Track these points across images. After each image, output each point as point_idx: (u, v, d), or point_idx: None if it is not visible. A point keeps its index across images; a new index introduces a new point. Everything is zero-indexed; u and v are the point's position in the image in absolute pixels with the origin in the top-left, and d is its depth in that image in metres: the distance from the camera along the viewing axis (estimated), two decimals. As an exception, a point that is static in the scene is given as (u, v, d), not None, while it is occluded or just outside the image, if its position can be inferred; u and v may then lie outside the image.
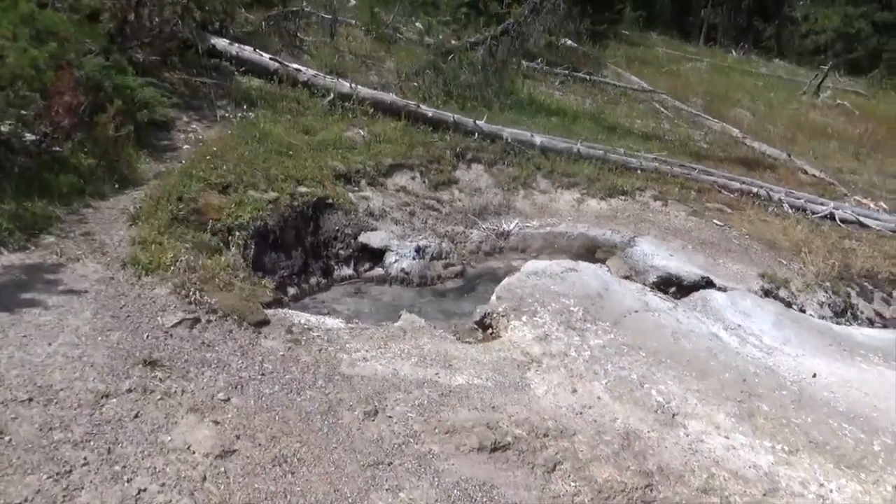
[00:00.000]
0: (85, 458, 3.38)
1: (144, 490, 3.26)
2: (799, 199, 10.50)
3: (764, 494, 4.03)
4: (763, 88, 21.88)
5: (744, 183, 10.65)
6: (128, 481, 3.30)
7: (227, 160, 7.89)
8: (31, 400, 3.69)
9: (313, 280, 7.54)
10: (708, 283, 7.07)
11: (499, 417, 4.32)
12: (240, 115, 9.54)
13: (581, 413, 4.55)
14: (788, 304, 7.19)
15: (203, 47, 10.54)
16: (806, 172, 12.68)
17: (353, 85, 10.99)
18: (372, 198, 8.85)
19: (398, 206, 9.06)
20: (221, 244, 6.59)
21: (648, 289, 6.73)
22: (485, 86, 12.54)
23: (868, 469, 4.42)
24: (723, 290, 6.98)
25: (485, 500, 3.64)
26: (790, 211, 10.19)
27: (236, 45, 11.13)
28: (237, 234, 6.85)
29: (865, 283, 8.22)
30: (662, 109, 16.06)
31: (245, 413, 4.01)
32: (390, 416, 4.22)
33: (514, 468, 3.92)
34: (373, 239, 7.99)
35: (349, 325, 5.66)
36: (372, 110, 10.76)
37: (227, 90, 10.17)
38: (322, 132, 9.84)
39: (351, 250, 7.96)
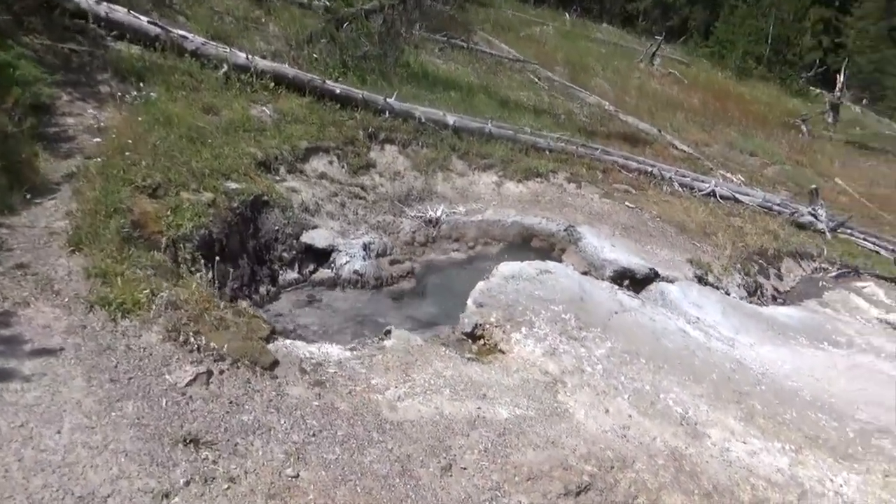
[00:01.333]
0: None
1: None
2: (686, 177, 11.40)
3: (800, 500, 4.45)
4: (607, 56, 23.16)
5: (640, 163, 11.32)
6: None
7: (142, 153, 6.90)
8: (82, 518, 3.05)
9: (262, 289, 6.95)
10: (655, 275, 7.50)
11: (565, 454, 4.32)
12: (134, 93, 8.32)
13: (625, 436, 4.68)
14: (716, 289, 7.85)
15: (69, 5, 8.99)
16: (676, 148, 13.75)
17: (250, 56, 10.02)
18: (301, 189, 8.27)
19: (327, 197, 8.55)
20: (172, 263, 5.82)
21: (617, 288, 7.00)
22: (383, 57, 12.01)
23: (857, 458, 5.04)
24: (670, 281, 7.45)
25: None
26: (680, 189, 11.03)
27: (105, 3, 9.60)
28: (184, 247, 6.07)
29: (761, 261, 9.21)
30: (536, 80, 16.48)
31: (323, 490, 3.63)
32: (464, 468, 4.05)
33: (598, 508, 3.97)
34: (317, 238, 7.49)
35: (352, 351, 5.30)
36: (273, 84, 9.89)
37: (105, 61, 8.81)
38: (225, 111, 8.94)
39: (294, 252, 7.42)
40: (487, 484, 3.96)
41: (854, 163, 18.62)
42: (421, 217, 9.14)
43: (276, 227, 7.39)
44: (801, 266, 9.76)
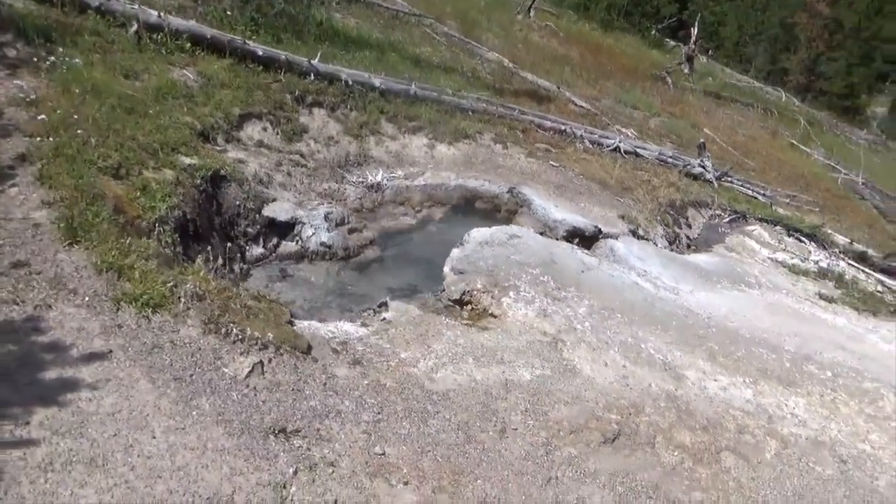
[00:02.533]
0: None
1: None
2: (593, 134, 12.22)
3: (769, 423, 5.34)
4: (488, 8, 23.52)
5: (553, 122, 11.97)
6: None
7: (87, 129, 6.53)
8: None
9: (236, 267, 6.86)
10: (599, 232, 8.20)
11: (591, 407, 4.88)
12: (52, 59, 7.66)
13: (628, 385, 5.32)
14: (647, 241, 8.73)
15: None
16: (575, 104, 14.57)
17: (162, 14, 9.45)
18: (247, 160, 8.13)
19: (274, 167, 8.47)
20: (162, 248, 5.67)
21: (576, 248, 7.60)
22: (296, 14, 11.65)
23: (798, 384, 6.05)
24: (614, 237, 8.19)
25: (637, 488, 4.27)
26: (591, 146, 11.85)
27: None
28: (164, 230, 5.90)
29: (672, 212, 10.25)
30: (434, 35, 16.57)
31: (411, 463, 3.93)
32: (515, 429, 4.49)
33: (634, 452, 4.58)
34: (278, 211, 7.46)
35: (366, 328, 5.52)
36: (189, 45, 9.44)
37: (3, 18, 8.03)
38: (146, 76, 8.51)
39: (258, 226, 7.35)
40: (539, 440, 4.42)
41: (714, 112, 20.55)
42: (362, 182, 9.23)
43: (238, 202, 7.26)
44: (700, 214, 10.95)
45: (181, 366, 4.07)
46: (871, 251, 11.19)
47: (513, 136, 11.08)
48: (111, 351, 3.99)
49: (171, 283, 4.69)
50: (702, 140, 13.18)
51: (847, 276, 9.82)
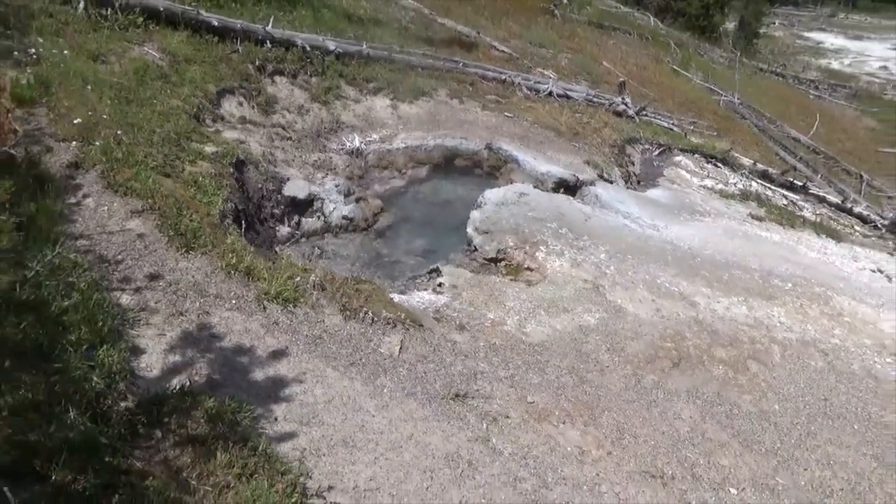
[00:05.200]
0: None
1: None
2: (528, 80, 13.05)
3: (768, 332, 6.68)
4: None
5: (494, 72, 12.64)
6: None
7: (110, 127, 6.61)
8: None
9: (277, 249, 7.23)
10: (577, 180, 9.18)
11: (651, 339, 5.94)
12: (32, 50, 7.39)
13: (664, 317, 6.43)
14: (611, 183, 9.85)
15: None
16: (497, 49, 15.24)
17: None
18: (245, 140, 8.39)
19: (268, 143, 8.73)
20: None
21: (571, 198, 8.52)
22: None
23: (774, 297, 7.46)
24: (591, 184, 9.20)
25: (708, 398, 5.42)
26: (529, 93, 12.69)
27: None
28: (227, 224, 6.23)
29: (617, 152, 11.42)
30: (345, -18, 16.41)
31: (556, 406, 4.80)
32: (608, 366, 5.46)
33: (694, 371, 5.72)
34: (297, 190, 7.85)
35: (438, 294, 6.20)
36: (142, 19, 9.23)
37: None
38: (112, 57, 8.41)
39: (282, 207, 7.67)
40: (628, 372, 5.43)
41: (603, 43, 21.89)
42: (342, 149, 9.60)
43: (259, 185, 7.52)
44: (635, 150, 12.21)
45: (347, 352, 4.63)
46: (770, 169, 13.04)
47: (465, 91, 11.67)
48: (287, 347, 4.47)
49: (297, 278, 5.10)
50: (622, 79, 14.38)
51: (763, 196, 11.53)
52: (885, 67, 38.25)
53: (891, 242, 11.68)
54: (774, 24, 44.23)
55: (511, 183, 8.90)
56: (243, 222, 6.60)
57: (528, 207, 7.71)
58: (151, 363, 3.90)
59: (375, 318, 5.04)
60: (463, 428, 4.23)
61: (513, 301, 6.10)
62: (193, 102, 8.18)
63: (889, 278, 9.29)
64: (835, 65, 38.17)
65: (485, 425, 4.33)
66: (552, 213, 7.70)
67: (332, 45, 10.75)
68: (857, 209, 12.69)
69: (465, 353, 5.11)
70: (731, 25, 35.19)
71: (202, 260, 5.02)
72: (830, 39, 47.03)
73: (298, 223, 7.74)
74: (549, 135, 10.96)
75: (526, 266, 6.99)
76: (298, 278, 5.11)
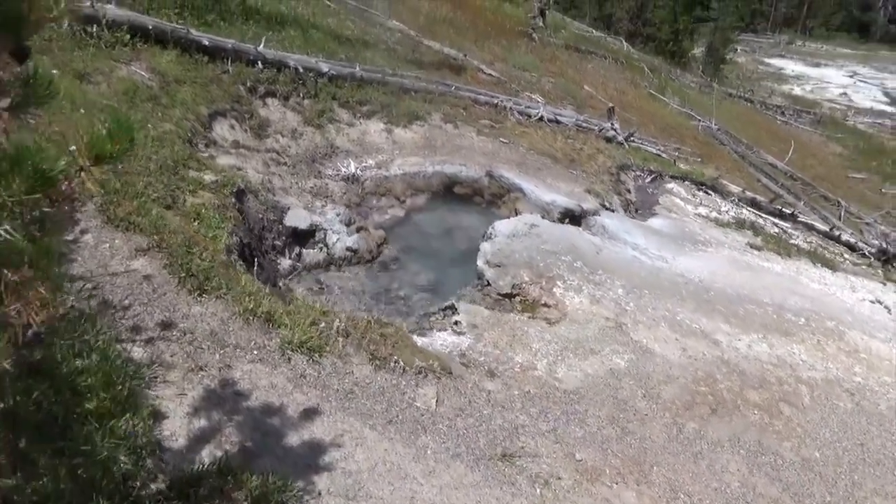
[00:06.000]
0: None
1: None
2: (519, 105, 12.87)
3: (793, 372, 6.50)
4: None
5: (487, 96, 12.44)
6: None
7: None
8: None
9: (281, 284, 6.82)
10: (582, 210, 8.96)
11: (686, 383, 5.69)
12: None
13: (690, 357, 6.20)
14: (613, 212, 9.66)
15: None
16: (484, 72, 15.07)
17: (97, 4, 8.66)
18: (241, 166, 7.98)
19: (265, 169, 8.33)
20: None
21: (580, 229, 8.28)
22: (219, -6, 10.96)
23: (791, 333, 7.31)
24: (596, 214, 8.99)
25: (750, 447, 5.18)
26: (520, 117, 12.51)
27: None
28: (234, 260, 5.83)
29: (613, 180, 11.27)
30: (329, 3, 16.12)
31: (605, 463, 4.49)
32: (646, 415, 5.18)
33: (732, 417, 5.48)
34: (298, 220, 7.48)
35: (460, 336, 5.87)
36: (129, 37, 8.79)
37: None
38: (99, 77, 7.98)
39: (283, 238, 7.27)
40: (668, 421, 5.16)
41: (582, 66, 21.99)
42: (338, 175, 9.25)
43: (260, 216, 7.11)
44: (629, 177, 12.10)
45: (382, 407, 4.25)
46: (759, 197, 13.06)
47: (458, 115, 11.42)
48: (318, 404, 4.09)
49: (320, 324, 4.71)
50: (611, 105, 14.32)
51: (756, 224, 11.49)
52: (844, 94, 39.42)
53: (880, 271, 11.73)
54: (737, 50, 45.26)
55: (516, 212, 8.63)
56: (248, 256, 6.18)
57: (540, 240, 7.43)
58: (176, 430, 3.47)
59: (406, 368, 4.66)
60: (517, 494, 3.89)
61: (537, 342, 5.80)
62: (185, 126, 7.77)
63: (888, 309, 9.26)
64: (797, 90, 39.19)
65: (538, 489, 3.99)
66: (565, 246, 7.44)
67: (325, 67, 10.41)
68: (844, 237, 12.75)
69: (501, 403, 4.78)
70: (698, 51, 35.84)
71: (217, 305, 4.59)
72: (791, 66, 48.41)
73: (300, 255, 7.33)
74: (546, 161, 10.75)
75: (543, 302, 6.70)
76: (323, 324, 4.70)
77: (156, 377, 3.85)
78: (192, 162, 6.94)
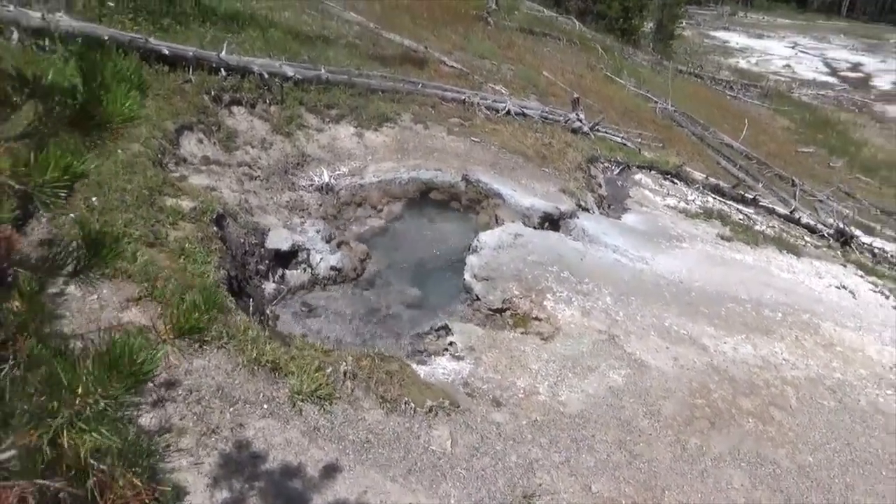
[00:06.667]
0: None
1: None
2: (486, 100, 12.79)
3: (778, 372, 6.71)
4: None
5: (453, 92, 12.31)
6: None
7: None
8: None
9: (268, 311, 6.69)
10: (560, 212, 8.99)
11: (683, 397, 5.80)
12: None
13: (682, 366, 6.33)
14: (589, 212, 9.74)
15: None
16: (447, 64, 14.91)
17: (48, 15, 8.24)
18: (216, 186, 7.76)
19: (239, 187, 8.12)
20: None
21: (561, 234, 8.31)
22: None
23: (771, 331, 7.52)
24: (574, 216, 9.03)
25: (750, 458, 5.33)
26: (489, 112, 12.44)
27: None
28: (224, 296, 5.68)
29: (584, 175, 11.33)
30: (281, -6, 15.65)
31: (619, 491, 4.56)
32: (651, 434, 5.27)
33: (729, 429, 5.62)
34: (280, 241, 7.32)
35: (458, 361, 5.86)
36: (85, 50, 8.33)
37: None
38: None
39: (266, 261, 7.10)
40: (671, 439, 5.27)
41: (539, 50, 21.96)
42: (312, 185, 9.09)
43: (241, 240, 6.93)
44: (598, 170, 12.18)
45: (399, 455, 4.22)
46: (722, 183, 13.34)
47: (428, 114, 11.29)
48: (336, 458, 4.03)
49: (327, 369, 4.63)
50: (576, 95, 14.34)
51: (723, 212, 11.74)
52: (788, 66, 40.42)
53: (839, 252, 12.15)
54: (682, 24, 45.92)
55: (496, 219, 8.61)
56: (236, 288, 6.01)
57: (526, 250, 7.44)
58: (201, 506, 3.37)
59: (417, 409, 4.63)
60: (543, 537, 3.91)
61: (536, 362, 5.83)
62: (154, 145, 7.50)
63: (853, 294, 9.61)
64: (743, 64, 39.99)
65: (562, 530, 4.02)
66: (551, 256, 7.47)
67: (289, 71, 10.13)
68: (803, 220, 13.15)
69: (512, 436, 4.79)
70: (648, 28, 36.13)
71: (219, 356, 4.46)
72: (735, 38, 49.32)
73: (283, 277, 7.17)
74: (518, 160, 10.73)
75: (534, 316, 6.72)
76: (330, 369, 4.62)
77: (169, 446, 3.72)
78: (167, 187, 6.70)
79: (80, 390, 1.39)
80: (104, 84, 1.37)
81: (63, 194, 1.33)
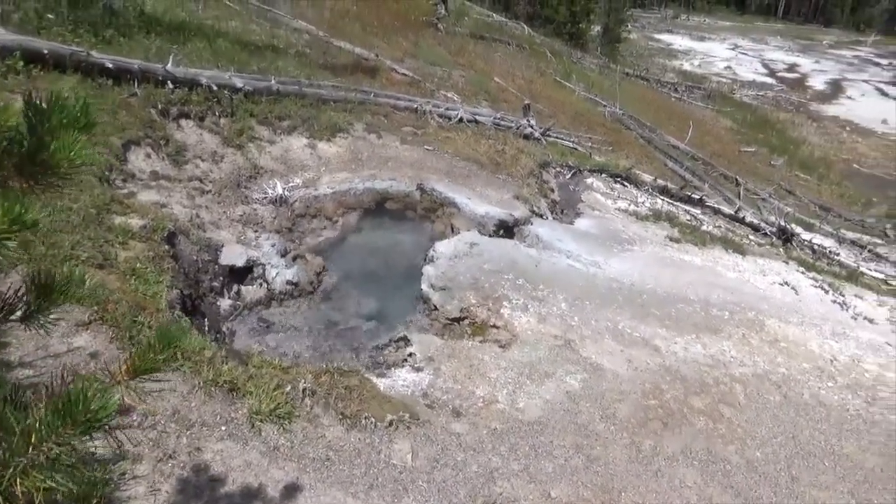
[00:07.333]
0: None
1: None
2: (438, 108, 12.88)
3: (726, 370, 6.94)
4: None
5: (405, 101, 12.36)
6: None
7: None
8: None
9: (224, 328, 6.63)
10: (514, 219, 9.12)
11: (637, 399, 5.95)
12: None
13: (636, 368, 6.49)
14: (543, 217, 9.90)
15: None
16: (398, 72, 14.95)
17: None
18: (166, 203, 7.68)
19: (190, 203, 8.01)
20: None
21: (516, 242, 8.42)
22: (114, 2, 10.31)
23: (719, 330, 7.77)
24: (528, 223, 9.17)
25: (702, 456, 5.51)
26: (441, 120, 12.53)
27: None
28: (178, 316, 5.63)
29: (537, 181, 11.51)
30: (227, 2, 15.50)
31: (577, 496, 4.66)
32: (607, 437, 5.40)
33: (681, 428, 5.80)
34: (234, 257, 7.24)
35: (418, 372, 5.90)
36: (23, 64, 8.23)
37: None
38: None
39: (221, 278, 7.04)
40: (626, 441, 5.40)
41: (489, 56, 22.17)
42: (265, 198, 9.03)
43: (194, 257, 6.85)
44: (550, 175, 12.38)
45: (360, 471, 4.24)
46: (669, 184, 13.70)
47: (380, 123, 11.32)
48: (297, 477, 4.03)
49: (286, 387, 4.62)
50: (526, 102, 14.54)
51: (671, 213, 12.07)
52: (729, 67, 41.67)
53: (781, 250, 12.61)
54: (628, 27, 46.95)
55: (452, 228, 8.68)
56: (189, 307, 5.93)
57: (482, 259, 7.53)
58: (160, 535, 3.32)
59: (377, 423, 4.65)
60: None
61: (494, 371, 5.91)
62: (100, 162, 7.33)
63: (795, 290, 9.98)
64: (686, 66, 41.07)
65: (524, 538, 4.10)
66: (506, 263, 7.57)
67: (239, 83, 10.03)
68: (748, 219, 13.59)
69: (472, 446, 4.85)
70: (595, 31, 36.77)
71: (174, 377, 4.40)
72: (678, 41, 50.61)
73: (239, 293, 7.10)
74: (472, 168, 10.83)
75: (492, 324, 6.81)
76: (289, 387, 4.60)
77: (124, 473, 3.67)
78: (115, 205, 6.58)
79: (33, 439, 1.39)
80: (50, 130, 1.37)
81: (12, 245, 1.32)
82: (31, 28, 9.18)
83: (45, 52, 8.30)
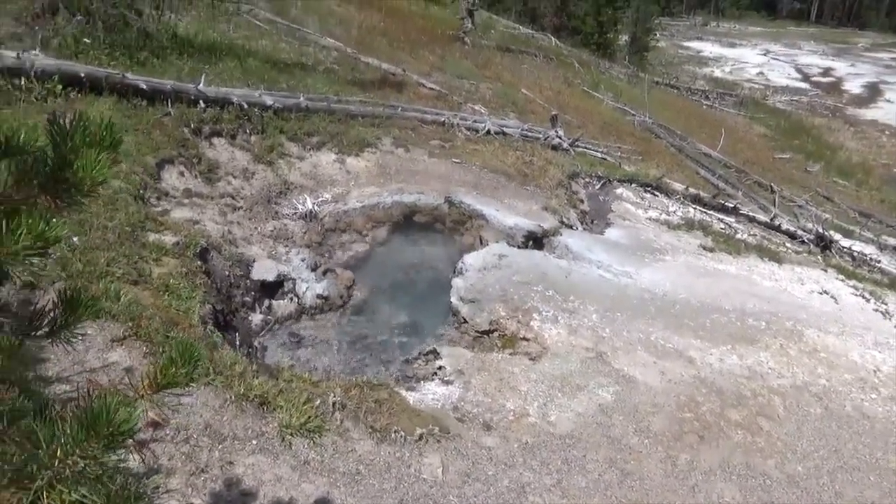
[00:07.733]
0: None
1: None
2: (466, 120, 12.90)
3: (764, 382, 6.76)
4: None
5: (433, 114, 12.41)
6: None
7: None
8: None
9: (256, 343, 6.68)
10: (543, 231, 9.06)
11: (671, 412, 5.83)
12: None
13: (670, 380, 6.37)
14: (573, 229, 9.81)
15: None
16: (425, 86, 15.03)
17: (22, 54, 8.27)
18: (199, 219, 7.77)
19: (223, 219, 8.11)
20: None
21: (545, 253, 8.36)
22: (151, 30, 10.56)
23: (755, 340, 7.58)
24: (558, 234, 9.10)
25: (741, 471, 5.36)
26: (468, 133, 12.54)
27: None
28: (211, 332, 5.68)
29: (567, 192, 11.43)
30: (257, 22, 15.78)
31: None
32: (641, 451, 5.30)
33: (718, 442, 5.66)
34: (265, 272, 7.30)
35: (448, 385, 5.86)
36: (61, 87, 8.44)
37: None
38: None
39: (252, 293, 7.09)
40: (661, 455, 5.29)
41: (516, 68, 22.18)
42: (295, 213, 9.09)
43: (227, 273, 6.93)
44: (580, 185, 12.29)
45: (391, 486, 4.21)
46: (702, 193, 13.49)
47: (408, 137, 11.37)
48: (328, 492, 4.02)
49: (316, 401, 4.63)
50: (554, 112, 14.49)
51: (704, 222, 11.87)
52: (761, 73, 41.07)
53: (820, 258, 12.29)
54: (656, 35, 46.65)
55: (481, 240, 8.66)
56: (222, 322, 6.00)
57: (511, 270, 7.48)
58: (192, 550, 3.34)
59: (407, 437, 4.62)
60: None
61: (525, 384, 5.84)
62: (135, 181, 7.50)
63: (835, 299, 9.72)
64: (717, 73, 40.61)
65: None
66: (535, 275, 7.52)
67: (269, 100, 10.18)
68: (784, 226, 13.30)
69: (503, 461, 4.79)
70: (622, 41, 36.61)
71: (206, 392, 4.44)
72: (708, 48, 50.07)
73: (270, 307, 7.16)
74: (500, 180, 10.81)
75: (522, 336, 6.75)
76: (319, 401, 4.61)
77: (157, 488, 3.70)
78: (149, 222, 6.70)
79: (59, 452, 1.40)
80: (74, 148, 1.39)
81: (36, 261, 1.34)
82: (68, 52, 9.44)
83: (83, 75, 8.53)
